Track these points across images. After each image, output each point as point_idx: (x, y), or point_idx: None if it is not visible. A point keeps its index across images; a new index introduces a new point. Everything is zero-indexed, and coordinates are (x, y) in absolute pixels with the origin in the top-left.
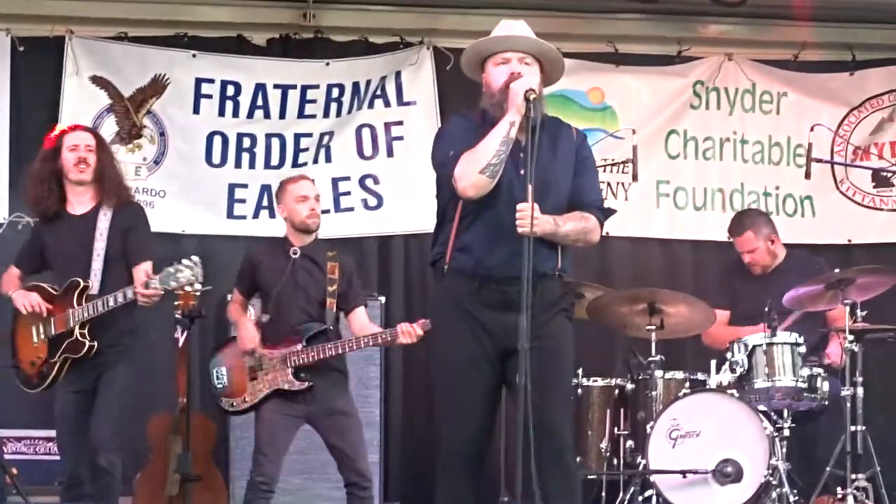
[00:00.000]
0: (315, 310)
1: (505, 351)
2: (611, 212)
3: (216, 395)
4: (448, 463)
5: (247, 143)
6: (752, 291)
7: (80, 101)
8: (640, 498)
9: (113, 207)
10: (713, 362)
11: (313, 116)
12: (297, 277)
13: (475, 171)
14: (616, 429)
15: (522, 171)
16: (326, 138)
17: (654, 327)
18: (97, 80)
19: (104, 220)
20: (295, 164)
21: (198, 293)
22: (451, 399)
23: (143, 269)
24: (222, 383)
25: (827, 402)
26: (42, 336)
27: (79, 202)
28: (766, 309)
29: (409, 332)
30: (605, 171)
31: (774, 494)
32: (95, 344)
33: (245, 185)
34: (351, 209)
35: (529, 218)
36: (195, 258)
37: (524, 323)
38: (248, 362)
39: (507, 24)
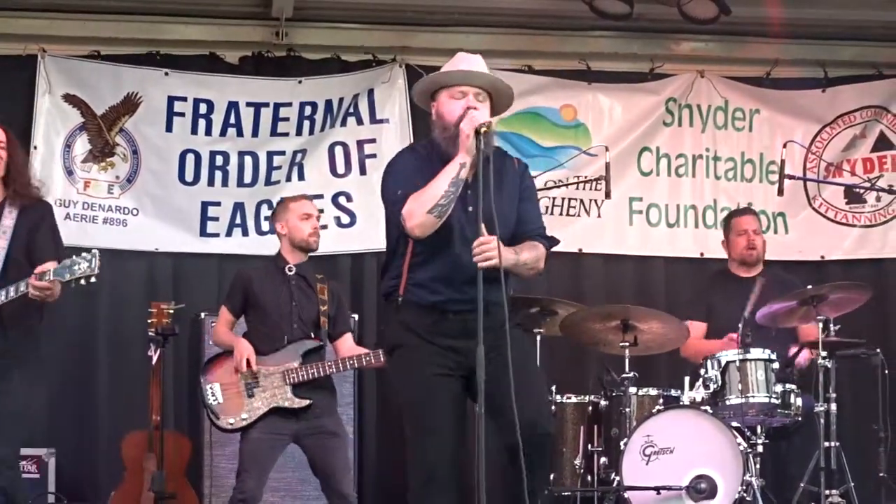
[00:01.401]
0: (309, 328)
1: (470, 369)
2: (555, 241)
3: (211, 413)
4: (425, 482)
5: (220, 161)
6: (728, 305)
7: (52, 120)
8: None
9: (20, 206)
10: (686, 379)
11: (286, 134)
12: (293, 295)
13: (423, 211)
14: (590, 445)
15: (471, 208)
16: (299, 156)
17: (627, 344)
18: (70, 99)
19: (9, 219)
20: (268, 183)
21: (171, 311)
22: (422, 418)
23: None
24: (217, 400)
25: (800, 418)
26: None
27: None
28: (740, 325)
29: None
30: (577, 188)
31: None
32: None
33: (218, 203)
34: (324, 227)
35: (495, 250)
36: (94, 250)
37: (481, 353)
38: (243, 379)
39: (464, 57)
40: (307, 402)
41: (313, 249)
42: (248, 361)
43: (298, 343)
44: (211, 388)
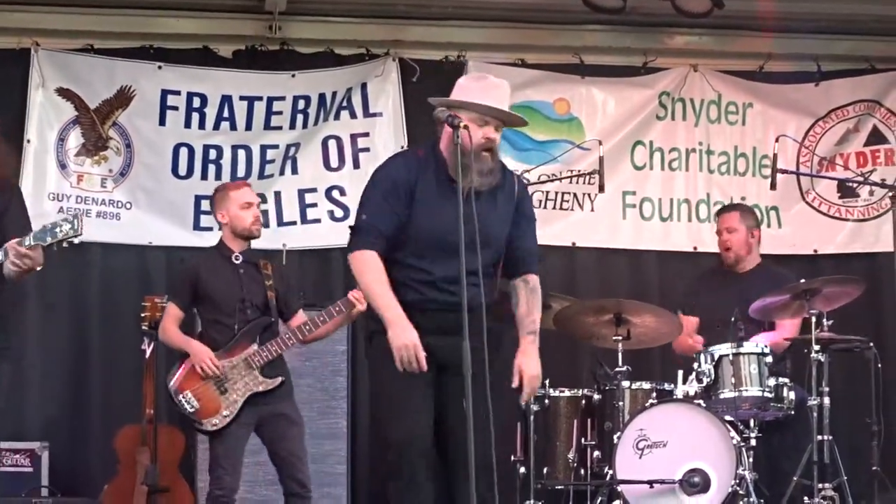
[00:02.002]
0: (258, 312)
1: (442, 367)
2: (542, 259)
3: (192, 421)
4: (400, 459)
5: (213, 154)
6: (718, 300)
7: (45, 113)
8: None
9: None
10: (680, 373)
11: (279, 128)
12: (242, 282)
13: (355, 273)
14: (583, 439)
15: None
16: (293, 150)
17: (620, 338)
18: (63, 92)
19: None
20: (261, 176)
21: (164, 304)
22: (397, 401)
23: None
24: (194, 407)
25: (793, 412)
26: None
27: None
28: (732, 319)
29: (361, 298)
30: (571, 181)
31: None
32: None
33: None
34: (317, 221)
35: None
36: (72, 212)
37: (467, 349)
38: (211, 378)
39: (494, 85)
40: (280, 379)
41: (256, 237)
42: (210, 363)
43: (250, 326)
44: (184, 397)
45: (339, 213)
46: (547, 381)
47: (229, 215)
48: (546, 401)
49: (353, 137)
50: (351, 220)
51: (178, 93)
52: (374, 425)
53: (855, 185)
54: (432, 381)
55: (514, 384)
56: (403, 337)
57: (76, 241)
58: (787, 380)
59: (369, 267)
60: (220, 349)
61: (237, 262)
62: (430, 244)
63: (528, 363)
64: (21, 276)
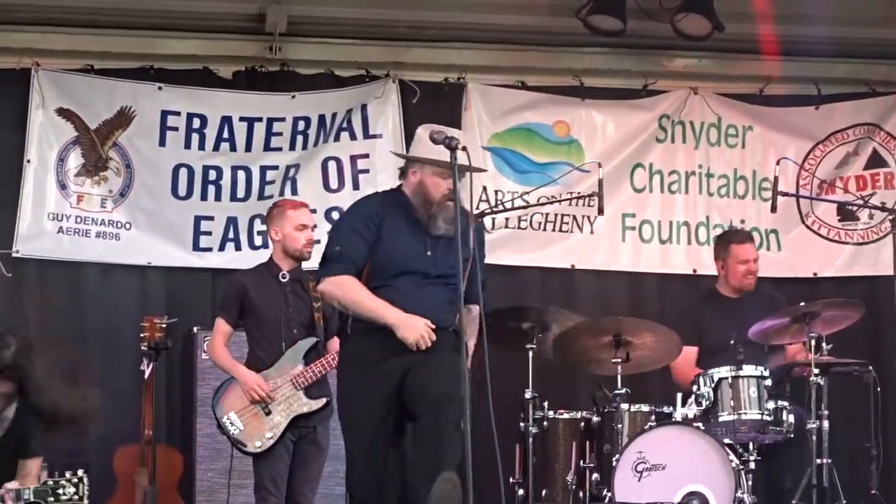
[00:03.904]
0: (305, 332)
1: (404, 384)
2: (484, 286)
3: (237, 442)
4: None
5: (213, 175)
6: (719, 324)
7: (45, 133)
8: None
9: None
10: (679, 395)
11: (279, 149)
12: (288, 301)
13: (333, 298)
14: (582, 461)
15: (429, 253)
16: (292, 171)
17: (619, 360)
18: (63, 113)
19: None
20: (261, 197)
21: (164, 325)
22: (361, 448)
23: None
24: (238, 428)
25: (792, 435)
26: None
27: None
28: (732, 342)
29: None
30: (570, 204)
31: None
32: None
33: (211, 218)
34: (317, 241)
35: None
36: (80, 473)
37: (464, 367)
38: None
39: (455, 137)
40: (324, 400)
41: (306, 259)
42: (258, 391)
43: (296, 346)
44: (228, 418)
45: None
46: (546, 403)
47: (282, 233)
48: (545, 423)
49: (353, 159)
50: None
51: (178, 113)
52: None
53: (855, 208)
54: (397, 416)
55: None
56: (415, 331)
57: None
58: (786, 403)
59: (350, 285)
60: (265, 368)
61: (284, 280)
62: (394, 275)
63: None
64: None
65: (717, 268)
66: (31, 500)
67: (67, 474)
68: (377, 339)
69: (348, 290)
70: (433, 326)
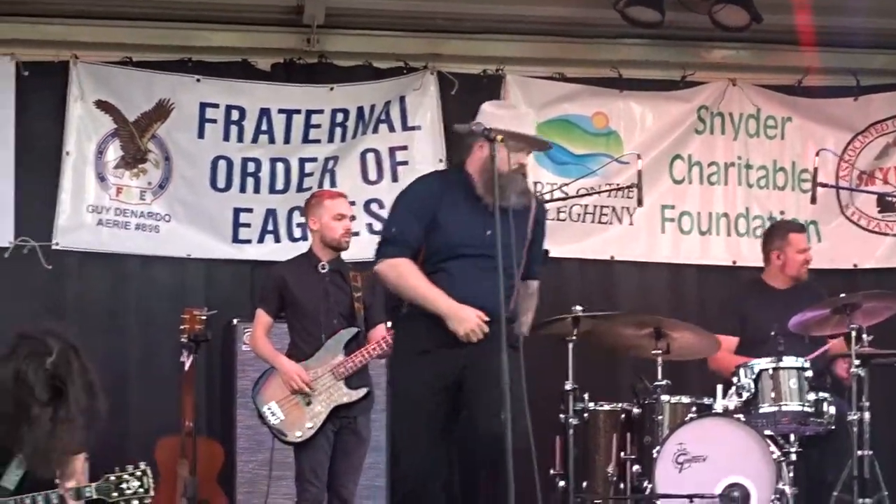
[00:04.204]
0: (345, 322)
1: (457, 381)
2: (546, 255)
3: (277, 432)
4: (414, 495)
5: (251, 167)
6: (762, 315)
7: (84, 126)
8: None
9: None
10: (719, 387)
11: (318, 141)
12: (328, 291)
13: (388, 281)
14: (622, 453)
15: (489, 232)
16: (331, 163)
17: (660, 352)
18: (102, 105)
19: None
20: (300, 189)
21: (203, 317)
22: (408, 433)
23: None
24: (279, 418)
25: (833, 427)
26: None
27: None
28: (773, 334)
29: None
30: (609, 195)
31: None
32: None
33: (250, 210)
34: (356, 234)
35: None
36: (143, 465)
37: (505, 361)
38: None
39: (524, 112)
40: (364, 390)
41: (344, 249)
42: (299, 381)
43: (336, 336)
44: (269, 408)
45: (377, 226)
46: (586, 395)
47: (320, 223)
48: (585, 415)
49: (392, 150)
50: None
51: (216, 106)
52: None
53: (894, 199)
54: (451, 399)
55: None
56: (467, 324)
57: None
58: (827, 394)
59: (406, 269)
60: (305, 359)
61: (323, 270)
62: (451, 256)
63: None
64: None
65: (773, 258)
66: (94, 497)
67: (130, 468)
68: (430, 324)
69: (403, 274)
70: (486, 319)
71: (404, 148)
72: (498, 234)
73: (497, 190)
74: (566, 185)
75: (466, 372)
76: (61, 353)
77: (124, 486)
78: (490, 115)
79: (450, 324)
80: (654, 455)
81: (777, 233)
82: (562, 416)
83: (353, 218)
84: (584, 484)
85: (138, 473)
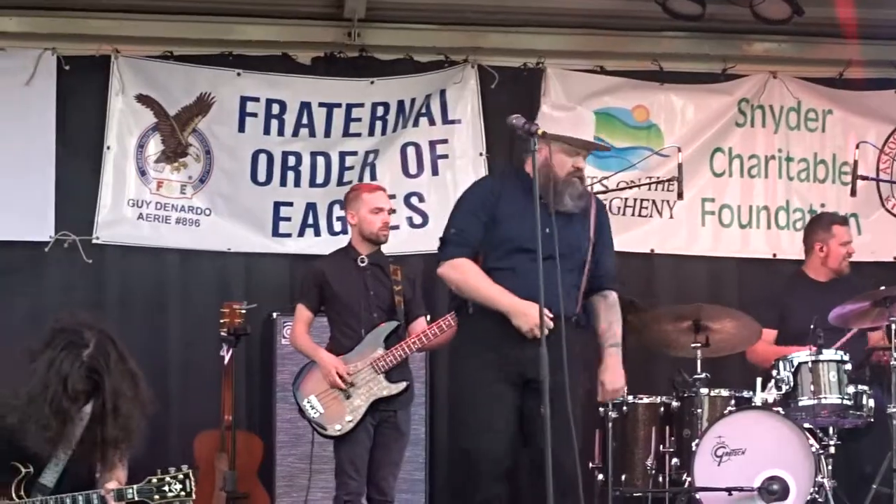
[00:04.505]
0: (385, 315)
1: (524, 380)
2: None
3: (317, 425)
4: (477, 475)
5: (292, 161)
6: (804, 307)
7: (125, 120)
8: None
9: None
10: (758, 380)
11: (358, 135)
12: (367, 285)
13: (452, 281)
14: (661, 446)
15: (548, 230)
16: (371, 157)
17: (699, 345)
18: (142, 99)
19: None
20: (340, 183)
21: (243, 311)
22: (480, 415)
23: None
24: (318, 412)
25: (872, 419)
26: None
27: None
28: (812, 326)
29: None
30: (650, 188)
31: None
32: None
33: (290, 204)
34: (396, 227)
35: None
36: (185, 468)
37: (544, 353)
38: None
39: (582, 116)
40: (404, 383)
41: (383, 242)
42: (337, 376)
43: (376, 330)
44: (308, 401)
45: (417, 219)
46: (625, 388)
47: (359, 216)
48: (624, 408)
49: (432, 144)
50: (430, 227)
51: (256, 99)
52: (455, 428)
53: None
54: (519, 397)
55: (599, 399)
56: (530, 320)
57: None
58: (866, 387)
59: (468, 269)
60: (346, 353)
61: (363, 264)
62: (512, 251)
63: (611, 378)
64: None
65: (816, 249)
66: (135, 499)
67: (172, 470)
68: (497, 321)
69: (466, 274)
70: (551, 316)
71: (444, 141)
72: (555, 234)
73: (553, 195)
74: (606, 178)
75: (532, 374)
76: (98, 344)
77: (166, 488)
78: (549, 117)
79: (513, 320)
80: (693, 448)
81: (821, 224)
82: (601, 409)
83: (393, 211)
84: (623, 477)
85: (181, 476)
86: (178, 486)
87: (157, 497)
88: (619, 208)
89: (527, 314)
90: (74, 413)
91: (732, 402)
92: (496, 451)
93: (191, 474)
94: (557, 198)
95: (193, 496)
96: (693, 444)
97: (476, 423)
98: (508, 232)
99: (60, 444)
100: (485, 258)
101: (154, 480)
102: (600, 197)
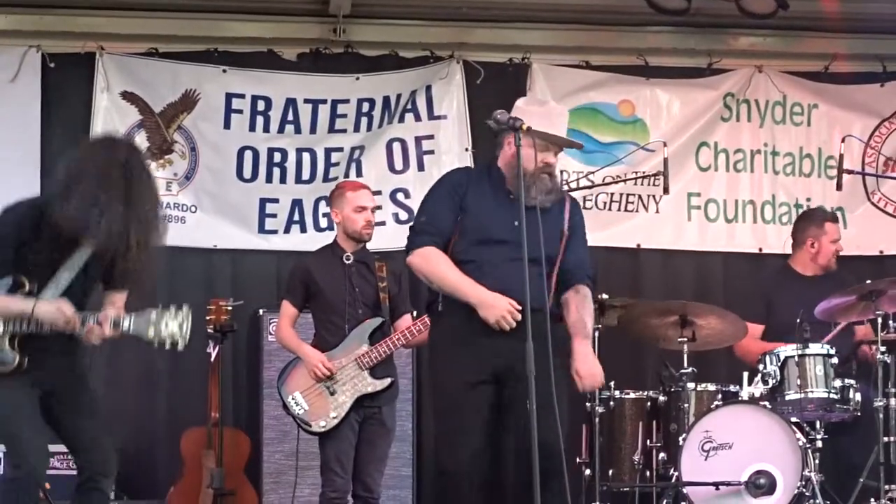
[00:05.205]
0: (370, 312)
1: (498, 374)
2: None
3: (301, 422)
4: (455, 491)
5: (277, 157)
6: (790, 302)
7: (110, 117)
8: None
9: None
10: (745, 374)
11: (344, 131)
12: (352, 282)
13: (420, 271)
14: (648, 441)
15: (516, 223)
16: (357, 153)
17: (685, 339)
18: (127, 96)
19: None
20: (326, 179)
21: (230, 308)
22: (452, 426)
23: None
24: (302, 408)
25: (859, 413)
26: None
27: None
28: (798, 321)
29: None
30: (635, 183)
31: None
32: None
33: (276, 200)
34: (382, 223)
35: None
36: (185, 307)
37: (531, 348)
38: (322, 380)
39: (556, 111)
40: (389, 380)
41: (366, 241)
42: (322, 368)
43: (361, 327)
44: (293, 398)
45: (403, 215)
46: (612, 383)
47: (342, 215)
48: (611, 403)
49: (418, 140)
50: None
51: (242, 96)
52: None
53: None
54: (494, 394)
55: (580, 390)
56: (496, 311)
57: (179, 347)
58: (852, 381)
59: (436, 259)
60: (330, 349)
61: (348, 261)
62: (476, 243)
63: (584, 366)
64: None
65: (807, 245)
66: (130, 330)
67: (172, 308)
68: (466, 316)
69: (433, 262)
70: (518, 307)
71: (430, 137)
72: (523, 225)
73: (522, 186)
74: (592, 173)
75: (505, 366)
76: (131, 149)
77: (161, 325)
78: (521, 111)
79: (480, 311)
80: (680, 443)
81: (814, 220)
82: (588, 404)
83: (378, 208)
84: (611, 472)
85: (180, 318)
86: (175, 325)
87: (150, 333)
88: (604, 203)
89: (493, 305)
90: (108, 204)
91: (719, 396)
92: (473, 467)
93: (189, 315)
94: (526, 190)
95: (187, 338)
96: (680, 438)
97: (450, 438)
98: (477, 220)
99: (92, 231)
100: (454, 247)
101: (152, 316)
102: (586, 192)
